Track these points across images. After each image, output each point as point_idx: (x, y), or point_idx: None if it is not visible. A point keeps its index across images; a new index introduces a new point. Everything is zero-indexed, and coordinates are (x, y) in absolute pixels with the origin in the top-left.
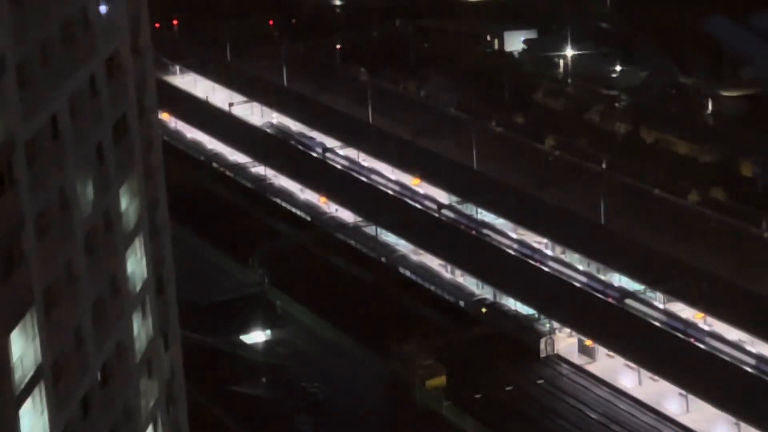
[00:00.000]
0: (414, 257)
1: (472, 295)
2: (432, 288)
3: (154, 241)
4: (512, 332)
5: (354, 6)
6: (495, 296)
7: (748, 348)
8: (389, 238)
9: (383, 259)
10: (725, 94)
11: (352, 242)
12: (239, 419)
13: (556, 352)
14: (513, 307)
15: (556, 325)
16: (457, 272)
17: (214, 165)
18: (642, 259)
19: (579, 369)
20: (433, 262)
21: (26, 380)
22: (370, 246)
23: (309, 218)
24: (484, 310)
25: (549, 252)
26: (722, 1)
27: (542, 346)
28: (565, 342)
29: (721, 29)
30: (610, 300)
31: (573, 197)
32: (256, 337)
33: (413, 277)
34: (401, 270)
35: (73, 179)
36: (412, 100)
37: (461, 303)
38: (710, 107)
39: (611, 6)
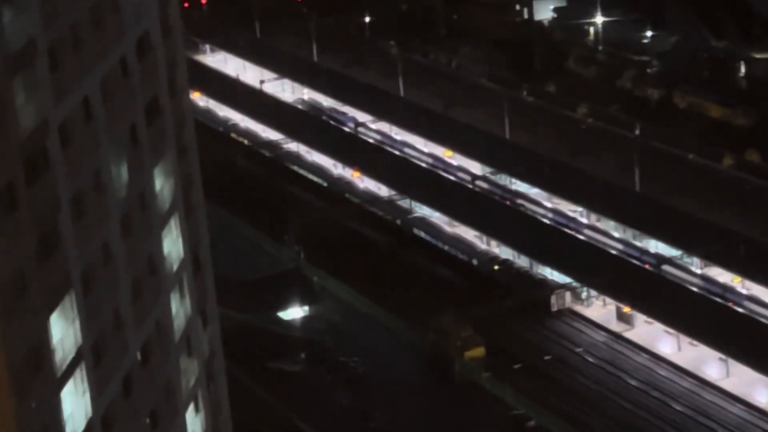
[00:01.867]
0: (440, 223)
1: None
2: (446, 248)
3: (189, 220)
4: (524, 288)
5: None
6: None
7: None
8: (424, 210)
9: (413, 230)
10: (757, 56)
11: (385, 215)
12: (279, 396)
13: (567, 306)
14: (524, 265)
15: (593, 293)
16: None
17: (247, 142)
18: (678, 224)
19: (617, 336)
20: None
21: (67, 362)
22: (403, 218)
23: (343, 193)
24: (496, 267)
25: (584, 220)
26: None
27: (553, 300)
28: (602, 310)
29: None
30: (646, 266)
31: (607, 165)
32: (294, 313)
33: (436, 242)
34: (425, 236)
35: (108, 161)
36: (443, 72)
37: (474, 261)
38: (742, 70)
39: None
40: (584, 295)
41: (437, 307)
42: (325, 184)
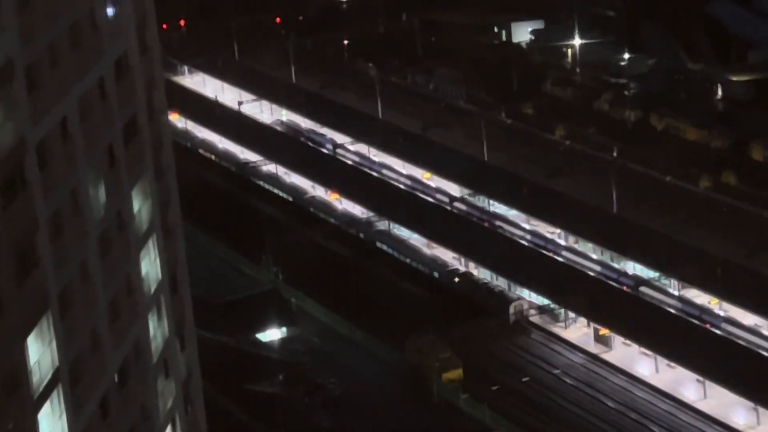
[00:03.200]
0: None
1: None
2: (408, 261)
3: (167, 241)
4: (483, 298)
5: (361, 1)
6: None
7: (764, 332)
8: (402, 232)
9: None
10: (733, 78)
11: (363, 236)
12: (257, 418)
13: (525, 315)
14: (483, 277)
15: (571, 314)
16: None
17: (225, 164)
18: (655, 246)
19: (595, 358)
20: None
21: (44, 384)
22: (381, 240)
23: (320, 214)
24: (456, 279)
25: (562, 242)
26: None
27: (511, 310)
28: (580, 331)
29: (727, 13)
30: (624, 288)
31: (584, 186)
32: (272, 334)
33: (399, 256)
34: (390, 250)
35: (85, 181)
36: (421, 94)
37: (435, 274)
38: (719, 92)
39: None
40: (562, 316)
41: (411, 325)
42: (303, 205)
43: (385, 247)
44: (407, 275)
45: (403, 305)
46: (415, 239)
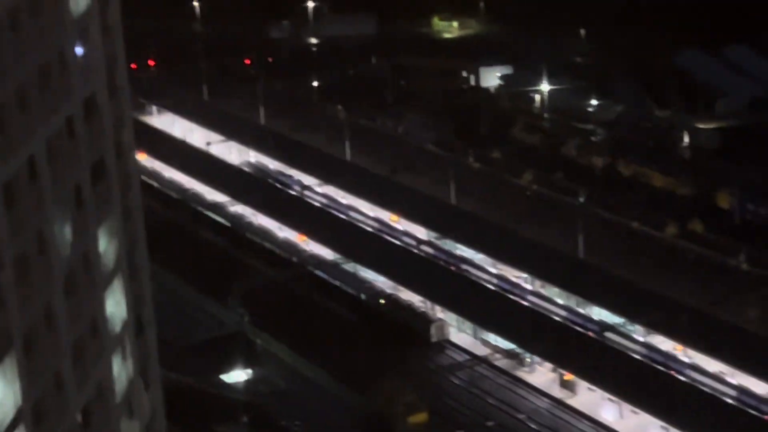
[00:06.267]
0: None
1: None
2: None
3: (133, 281)
4: (405, 320)
5: (330, 44)
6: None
7: (729, 380)
8: (368, 274)
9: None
10: (700, 126)
11: (331, 279)
12: None
13: (446, 337)
14: (408, 299)
15: (537, 358)
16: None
17: (193, 204)
18: (621, 292)
19: (560, 403)
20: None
21: (6, 424)
22: (349, 283)
23: (289, 256)
24: (382, 301)
25: (528, 286)
26: (696, 35)
27: (432, 331)
28: (545, 376)
29: (695, 63)
30: (589, 333)
31: (551, 231)
32: (237, 376)
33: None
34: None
35: (52, 221)
36: (390, 137)
37: (362, 296)
38: (686, 140)
39: (586, 40)
40: (528, 361)
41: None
42: (270, 247)
43: (350, 290)
44: (371, 318)
45: (367, 349)
46: (381, 281)
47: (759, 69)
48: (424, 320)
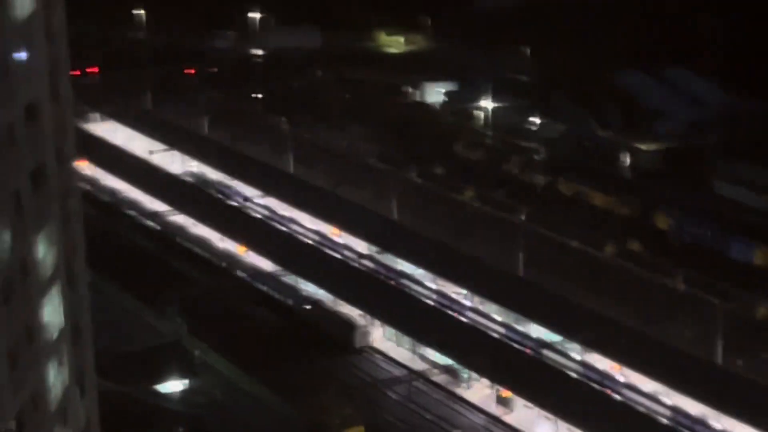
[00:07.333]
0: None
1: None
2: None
3: (71, 289)
4: (330, 326)
5: (275, 56)
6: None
7: (664, 399)
8: (308, 287)
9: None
10: (641, 147)
11: (270, 290)
12: None
13: (370, 343)
14: (332, 305)
15: (474, 374)
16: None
17: (133, 213)
18: (559, 310)
19: (496, 419)
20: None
21: None
22: (287, 294)
23: (228, 267)
24: (308, 307)
25: (467, 303)
26: (638, 57)
27: (356, 338)
28: (482, 392)
29: (637, 84)
30: (527, 351)
31: (491, 248)
32: (173, 386)
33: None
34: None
35: None
36: (333, 150)
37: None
38: (626, 160)
39: (530, 59)
40: (465, 377)
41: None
42: (210, 257)
43: (290, 302)
44: (299, 324)
45: (296, 356)
46: (322, 294)
47: (699, 91)
48: (349, 327)
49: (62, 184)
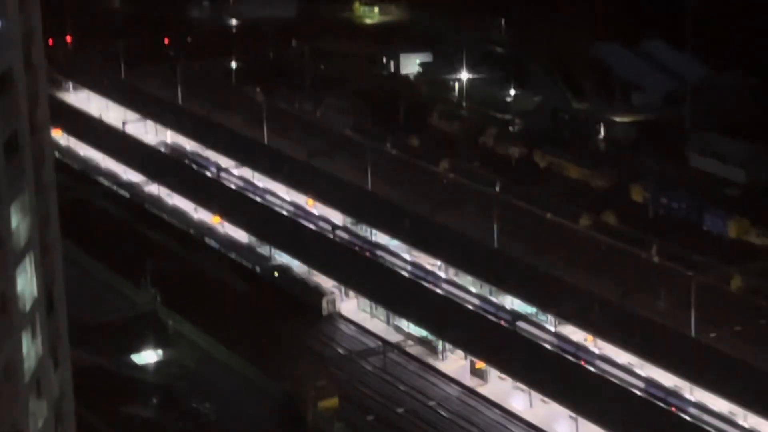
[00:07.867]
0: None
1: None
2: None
3: (45, 258)
4: (298, 292)
5: (250, 26)
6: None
7: (637, 371)
8: (282, 257)
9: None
10: (616, 119)
11: (244, 261)
12: None
13: (337, 310)
14: (300, 271)
15: (449, 346)
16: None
17: (107, 183)
18: (534, 282)
19: (470, 391)
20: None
21: None
22: (259, 264)
23: (202, 238)
24: (276, 274)
25: (442, 274)
26: (614, 29)
27: (324, 305)
28: (457, 364)
29: (613, 56)
30: (502, 322)
31: (466, 220)
32: (147, 357)
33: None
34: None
35: None
36: (308, 121)
37: (257, 268)
38: (602, 132)
39: (506, 31)
40: (439, 348)
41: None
42: (184, 228)
43: (258, 269)
44: (288, 303)
45: (265, 322)
46: (296, 265)
47: (674, 63)
48: (317, 293)
49: (36, 153)
